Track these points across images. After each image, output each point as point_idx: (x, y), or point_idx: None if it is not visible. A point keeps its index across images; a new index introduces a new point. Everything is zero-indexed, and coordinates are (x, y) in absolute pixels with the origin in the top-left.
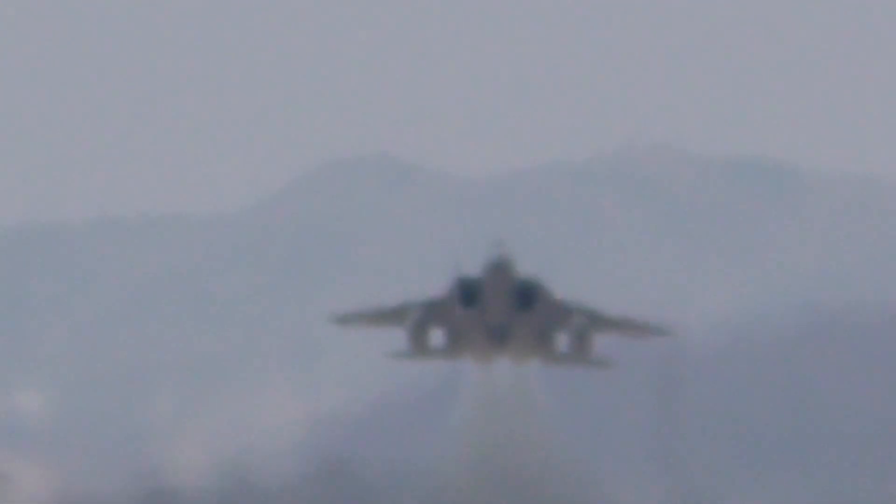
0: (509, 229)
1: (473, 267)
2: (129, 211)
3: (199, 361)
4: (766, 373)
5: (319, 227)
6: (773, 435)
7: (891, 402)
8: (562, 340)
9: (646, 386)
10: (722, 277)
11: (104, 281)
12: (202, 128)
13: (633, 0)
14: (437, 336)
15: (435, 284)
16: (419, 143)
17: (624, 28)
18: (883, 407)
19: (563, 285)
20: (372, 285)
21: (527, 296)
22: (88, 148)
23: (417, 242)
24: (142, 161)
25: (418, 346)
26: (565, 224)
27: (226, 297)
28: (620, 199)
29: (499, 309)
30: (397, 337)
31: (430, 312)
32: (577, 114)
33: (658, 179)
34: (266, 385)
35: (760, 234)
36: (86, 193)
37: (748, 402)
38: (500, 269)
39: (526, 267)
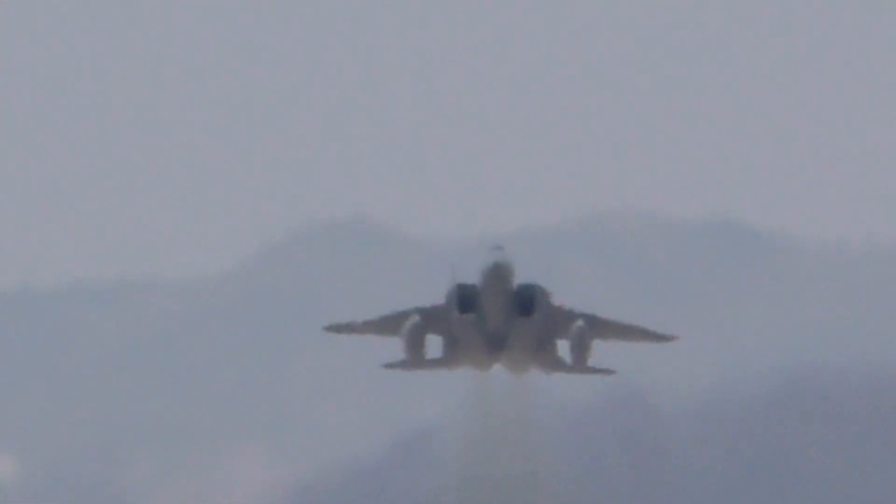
0: None
1: (472, 275)
2: (102, 276)
3: (174, 428)
4: (744, 436)
5: (296, 293)
6: (751, 497)
7: (866, 465)
8: (562, 348)
9: (622, 448)
10: (697, 341)
11: (77, 347)
12: (176, 192)
13: (604, 64)
14: (434, 348)
15: (432, 293)
16: (395, 208)
17: (598, 93)
18: (857, 469)
19: None
20: (350, 350)
21: (526, 301)
22: (60, 212)
23: (395, 307)
24: (114, 226)
25: (415, 355)
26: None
27: (200, 363)
28: (596, 264)
29: (497, 315)
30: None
31: (427, 320)
32: (551, 178)
33: (632, 243)
34: (241, 452)
35: (735, 297)
36: (58, 259)
37: (726, 463)
38: (497, 273)
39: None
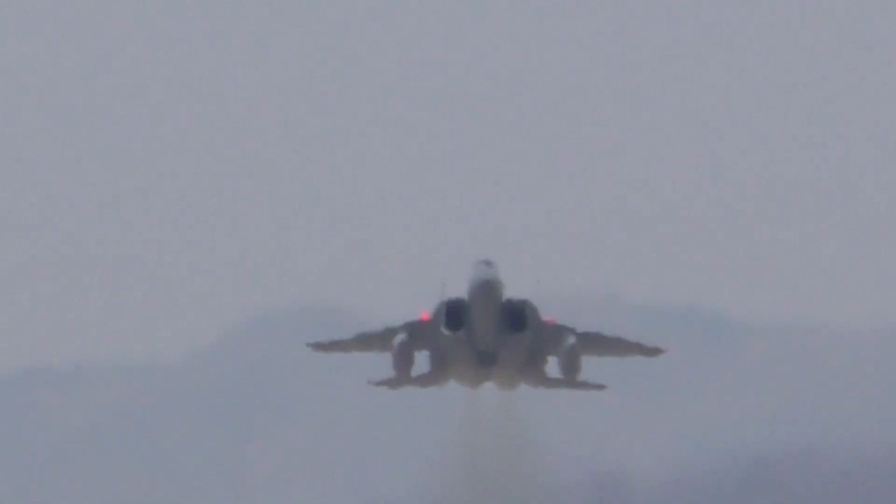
0: None
1: (461, 289)
2: (64, 361)
3: None
4: None
5: (257, 379)
6: None
7: None
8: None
9: None
10: (660, 426)
11: (39, 431)
12: (138, 278)
13: (571, 152)
14: (422, 364)
15: (418, 309)
16: (359, 293)
17: (564, 183)
18: None
19: None
20: (312, 436)
21: (515, 317)
22: (21, 297)
23: (355, 391)
24: (78, 311)
25: (403, 371)
26: None
27: (162, 448)
28: None
29: (486, 331)
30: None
31: (415, 336)
32: (518, 264)
33: (600, 328)
34: None
35: (697, 382)
36: (19, 344)
37: None
38: (486, 289)
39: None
